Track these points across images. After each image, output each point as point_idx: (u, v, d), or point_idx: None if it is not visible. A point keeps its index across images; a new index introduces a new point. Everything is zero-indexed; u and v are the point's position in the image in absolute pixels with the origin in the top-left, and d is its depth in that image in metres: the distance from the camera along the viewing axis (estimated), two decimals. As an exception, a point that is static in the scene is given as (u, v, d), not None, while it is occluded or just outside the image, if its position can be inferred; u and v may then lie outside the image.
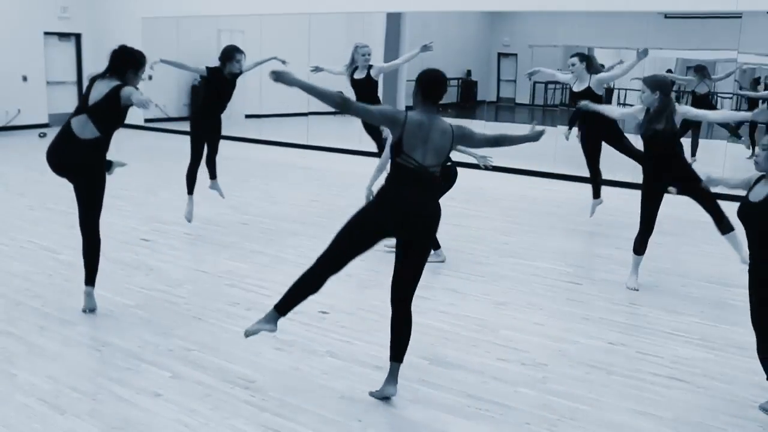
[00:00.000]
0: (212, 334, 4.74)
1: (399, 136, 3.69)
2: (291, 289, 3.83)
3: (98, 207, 4.96)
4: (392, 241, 3.97)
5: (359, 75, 8.04)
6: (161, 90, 16.31)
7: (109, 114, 4.75)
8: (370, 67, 8.02)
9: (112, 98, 4.69)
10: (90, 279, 5.07)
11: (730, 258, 6.85)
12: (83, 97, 4.85)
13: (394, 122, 3.70)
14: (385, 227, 3.76)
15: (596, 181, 8.01)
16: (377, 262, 6.45)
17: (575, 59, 7.76)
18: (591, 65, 7.76)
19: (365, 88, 7.98)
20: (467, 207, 8.73)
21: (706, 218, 5.95)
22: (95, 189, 4.90)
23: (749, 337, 4.84)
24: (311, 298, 5.42)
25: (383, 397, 3.88)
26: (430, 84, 3.80)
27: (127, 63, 4.82)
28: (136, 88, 4.81)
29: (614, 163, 12.56)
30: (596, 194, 7.97)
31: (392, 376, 3.90)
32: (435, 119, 3.75)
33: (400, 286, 3.89)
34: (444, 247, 6.50)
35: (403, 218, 3.70)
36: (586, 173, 8.05)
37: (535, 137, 4.07)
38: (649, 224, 5.87)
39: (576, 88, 7.74)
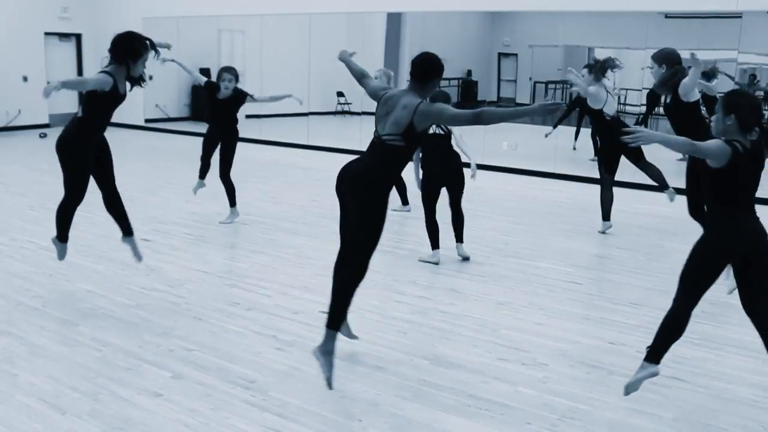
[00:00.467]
0: (213, 334, 4.74)
1: (376, 110, 4.12)
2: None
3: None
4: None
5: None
6: (162, 90, 16.33)
7: (88, 98, 5.12)
8: None
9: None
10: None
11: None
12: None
13: (376, 98, 4.18)
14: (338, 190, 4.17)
15: (605, 199, 7.54)
16: (377, 263, 6.45)
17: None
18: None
19: None
20: (467, 207, 8.72)
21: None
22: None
23: (750, 337, 4.84)
24: (311, 298, 5.44)
25: None
26: (413, 62, 4.11)
27: (126, 53, 5.07)
28: (141, 78, 5.21)
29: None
30: (606, 216, 7.53)
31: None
32: (406, 94, 4.01)
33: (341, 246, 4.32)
34: (444, 247, 6.50)
35: (342, 177, 4.13)
36: (585, 173, 8.03)
37: (540, 110, 3.86)
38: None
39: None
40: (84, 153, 5.23)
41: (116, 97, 5.12)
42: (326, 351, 3.91)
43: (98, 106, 5.15)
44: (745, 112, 3.55)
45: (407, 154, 4.07)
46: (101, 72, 5.08)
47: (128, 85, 5.20)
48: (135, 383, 4.01)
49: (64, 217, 5.48)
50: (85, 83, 5.10)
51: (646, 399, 3.98)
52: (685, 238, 7.56)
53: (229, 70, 7.57)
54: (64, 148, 5.22)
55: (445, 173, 6.38)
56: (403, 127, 3.93)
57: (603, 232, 7.47)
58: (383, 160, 4.06)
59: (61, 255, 5.65)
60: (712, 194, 3.66)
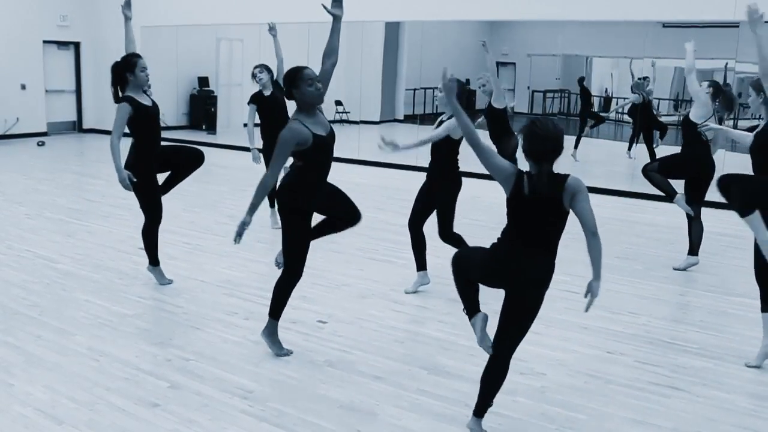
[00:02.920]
0: (210, 344, 4.73)
1: None
2: None
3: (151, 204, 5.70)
4: None
5: None
6: (160, 99, 16.30)
7: (129, 125, 5.43)
8: None
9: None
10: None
11: (730, 267, 6.85)
12: None
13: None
14: None
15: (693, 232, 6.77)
16: (375, 272, 6.45)
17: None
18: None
19: None
20: (462, 215, 8.73)
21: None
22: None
23: (748, 347, 4.84)
24: (308, 307, 5.43)
25: None
26: None
27: (124, 69, 5.43)
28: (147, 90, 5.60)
29: (609, 171, 12.59)
30: (693, 250, 6.82)
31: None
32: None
33: None
34: (440, 256, 6.47)
35: None
36: (586, 182, 7.97)
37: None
38: None
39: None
40: (149, 175, 5.56)
41: (146, 113, 5.44)
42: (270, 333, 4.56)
43: (138, 128, 5.49)
44: None
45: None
46: (118, 105, 5.38)
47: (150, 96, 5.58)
48: (132, 393, 4.00)
49: (148, 240, 5.81)
50: (119, 127, 5.30)
51: (645, 409, 3.97)
52: (681, 246, 7.59)
53: (259, 66, 7.76)
54: (132, 176, 5.43)
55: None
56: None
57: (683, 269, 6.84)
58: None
59: (161, 279, 5.90)
60: None
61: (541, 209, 3.34)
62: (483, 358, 4.60)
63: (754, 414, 3.97)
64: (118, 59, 5.53)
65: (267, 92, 7.68)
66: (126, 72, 5.41)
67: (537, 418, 3.84)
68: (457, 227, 5.88)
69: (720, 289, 6.20)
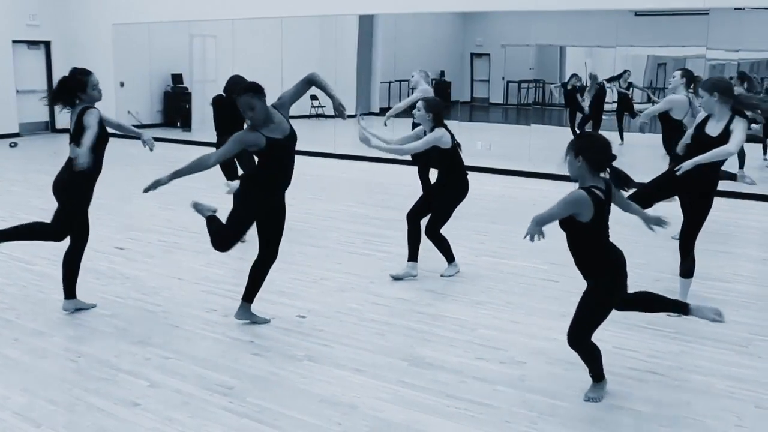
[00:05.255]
0: (190, 341, 4.71)
1: None
2: None
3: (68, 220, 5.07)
4: None
5: None
6: (134, 97, 16.22)
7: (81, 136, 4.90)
8: None
9: (80, 122, 4.93)
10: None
11: (705, 252, 6.92)
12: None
13: None
14: None
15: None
16: (354, 266, 6.44)
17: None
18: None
19: None
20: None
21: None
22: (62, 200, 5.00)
23: (724, 330, 4.91)
24: (287, 302, 5.43)
25: None
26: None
27: (72, 90, 4.96)
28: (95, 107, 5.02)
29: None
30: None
31: None
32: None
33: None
34: (420, 248, 6.49)
35: None
36: (561, 171, 8.00)
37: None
38: None
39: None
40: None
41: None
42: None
43: (102, 146, 5.12)
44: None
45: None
46: (80, 109, 4.96)
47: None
48: (112, 393, 3.97)
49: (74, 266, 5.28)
50: (90, 136, 4.87)
51: (624, 393, 4.01)
52: (661, 233, 7.65)
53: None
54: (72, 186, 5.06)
55: None
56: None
57: None
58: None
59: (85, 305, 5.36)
60: None
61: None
62: (463, 349, 4.64)
63: (731, 396, 4.02)
64: (67, 74, 5.04)
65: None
66: (77, 92, 4.93)
67: (518, 407, 3.86)
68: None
69: (695, 274, 6.26)
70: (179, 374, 4.21)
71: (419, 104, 5.91)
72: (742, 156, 10.39)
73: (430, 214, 6.09)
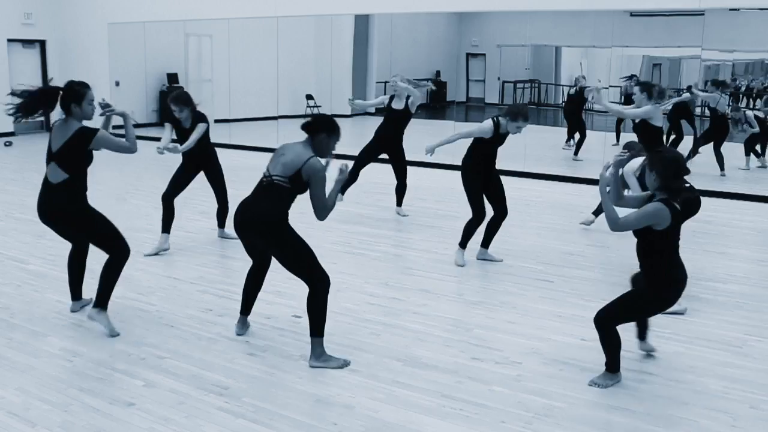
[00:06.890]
0: (185, 341, 4.70)
1: None
2: None
3: (105, 237, 5.00)
4: None
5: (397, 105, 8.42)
6: (129, 96, 16.18)
7: (74, 157, 4.73)
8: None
9: (74, 143, 4.67)
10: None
11: (698, 252, 6.95)
12: (48, 145, 4.74)
13: None
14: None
15: None
16: (350, 266, 6.44)
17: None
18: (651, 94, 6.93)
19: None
20: (439, 207, 8.76)
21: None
22: (86, 228, 4.95)
23: (718, 330, 4.93)
24: (283, 302, 5.42)
25: None
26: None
27: (65, 100, 4.71)
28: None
29: (577, 162, 12.68)
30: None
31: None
32: (297, 145, 4.75)
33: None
34: (414, 248, 6.51)
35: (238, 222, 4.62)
36: (555, 171, 8.05)
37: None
38: None
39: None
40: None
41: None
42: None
43: (80, 162, 4.84)
44: None
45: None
46: (76, 129, 4.71)
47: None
48: (107, 393, 3.97)
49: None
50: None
51: (619, 394, 4.02)
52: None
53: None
54: (65, 213, 4.91)
55: None
56: (292, 169, 4.58)
57: None
58: (270, 200, 4.60)
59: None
60: None
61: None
62: (458, 349, 4.64)
63: (725, 396, 4.03)
64: (64, 86, 4.80)
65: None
66: (72, 103, 4.69)
67: (513, 407, 3.87)
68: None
69: (689, 274, 6.27)
70: (174, 374, 4.21)
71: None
72: (720, 159, 10.65)
73: None
